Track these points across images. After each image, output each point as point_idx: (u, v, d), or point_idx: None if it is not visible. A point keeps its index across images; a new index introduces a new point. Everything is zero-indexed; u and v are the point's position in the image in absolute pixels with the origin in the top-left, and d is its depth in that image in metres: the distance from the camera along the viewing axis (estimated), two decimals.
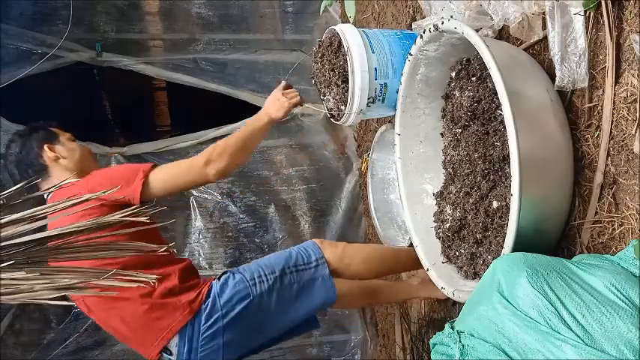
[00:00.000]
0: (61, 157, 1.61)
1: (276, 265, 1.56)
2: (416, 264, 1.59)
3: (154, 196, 1.49)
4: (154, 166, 1.51)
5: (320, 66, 1.68)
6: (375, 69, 1.54)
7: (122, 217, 0.98)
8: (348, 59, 1.53)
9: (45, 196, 1.53)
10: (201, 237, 2.39)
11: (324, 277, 1.56)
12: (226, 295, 1.49)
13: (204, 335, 1.46)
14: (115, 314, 1.48)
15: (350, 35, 1.54)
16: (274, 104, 1.64)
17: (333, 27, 1.61)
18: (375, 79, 1.55)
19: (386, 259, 1.72)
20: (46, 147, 1.60)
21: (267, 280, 1.52)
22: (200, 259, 2.38)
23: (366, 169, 2.24)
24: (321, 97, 1.71)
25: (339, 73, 1.60)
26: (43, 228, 0.93)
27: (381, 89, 1.59)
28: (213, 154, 1.52)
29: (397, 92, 1.56)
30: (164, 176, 1.50)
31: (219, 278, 1.56)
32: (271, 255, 1.65)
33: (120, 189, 1.39)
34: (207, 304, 1.47)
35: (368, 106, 1.58)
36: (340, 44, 1.58)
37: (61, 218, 1.27)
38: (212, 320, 1.46)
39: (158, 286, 1.46)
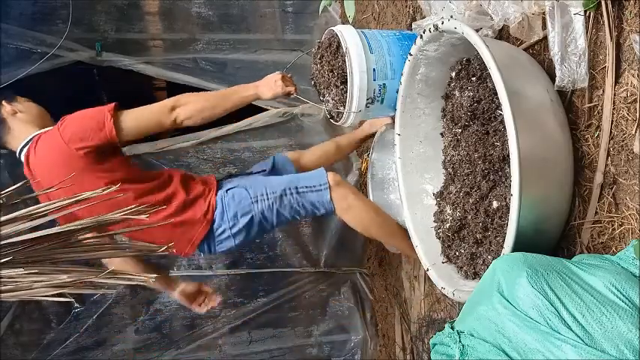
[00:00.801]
0: (18, 111, 1.69)
1: (278, 186, 1.68)
2: (409, 248, 1.65)
3: (129, 134, 1.57)
4: (117, 106, 1.59)
5: (319, 67, 1.68)
6: (374, 70, 1.55)
7: (123, 215, 0.98)
8: (346, 60, 1.54)
9: (19, 154, 1.65)
10: None
11: (324, 202, 1.66)
12: (232, 210, 1.68)
13: (218, 239, 1.71)
14: (147, 236, 1.67)
15: (349, 36, 1.54)
16: (268, 84, 1.69)
17: (332, 28, 1.62)
18: (374, 80, 1.57)
19: (384, 227, 1.79)
20: (3, 102, 1.70)
21: (268, 199, 1.66)
22: (200, 259, 2.38)
23: (366, 169, 2.24)
24: (321, 98, 1.72)
25: (337, 74, 1.60)
26: (41, 226, 0.94)
27: (379, 90, 1.59)
28: (182, 99, 1.61)
29: (397, 92, 1.56)
30: (135, 114, 1.59)
31: (227, 191, 1.72)
32: (280, 176, 1.80)
33: (95, 134, 1.52)
34: (216, 217, 1.68)
35: (367, 106, 1.58)
36: (339, 45, 1.59)
37: (45, 171, 1.52)
38: (222, 230, 1.69)
39: (170, 205, 1.65)
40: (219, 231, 1.71)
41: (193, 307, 1.92)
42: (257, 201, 1.68)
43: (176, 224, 1.67)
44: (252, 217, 1.68)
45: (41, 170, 1.57)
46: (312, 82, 1.74)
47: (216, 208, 1.70)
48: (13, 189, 0.96)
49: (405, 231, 1.71)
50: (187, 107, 1.61)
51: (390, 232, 1.79)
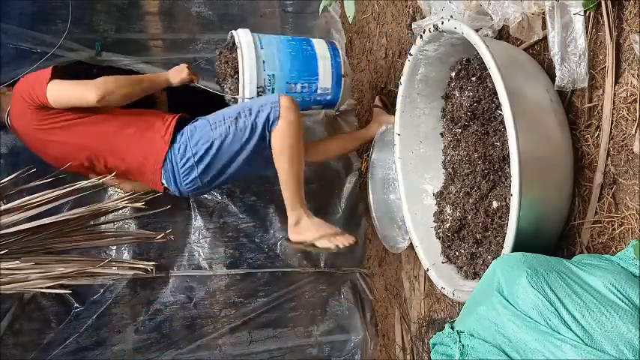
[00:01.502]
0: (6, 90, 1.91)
1: (234, 111, 1.82)
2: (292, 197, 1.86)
3: (56, 102, 1.73)
4: (55, 72, 1.76)
5: (219, 62, 1.95)
6: (264, 61, 1.85)
7: (119, 203, 0.98)
8: (238, 52, 1.83)
9: (5, 120, 1.84)
10: (201, 237, 2.38)
11: (275, 118, 1.76)
12: (195, 138, 1.81)
13: (183, 170, 1.81)
14: (116, 157, 1.84)
15: (242, 34, 1.86)
16: (176, 71, 1.93)
17: (232, 30, 1.91)
18: (264, 70, 1.85)
19: (293, 162, 1.86)
20: None
21: (225, 123, 1.80)
22: (200, 259, 2.38)
23: (366, 169, 2.24)
24: (221, 93, 1.97)
25: (232, 65, 1.88)
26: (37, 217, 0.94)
27: (269, 80, 1.87)
28: (102, 80, 1.77)
29: (286, 84, 1.88)
30: (63, 85, 1.75)
31: (191, 123, 1.87)
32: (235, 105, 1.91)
33: (32, 97, 1.73)
34: (180, 147, 1.81)
35: (258, 94, 1.85)
36: (234, 42, 1.86)
37: (20, 124, 1.79)
38: (185, 159, 1.80)
39: (133, 124, 1.84)
40: (183, 161, 1.81)
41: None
42: (216, 127, 1.80)
43: (138, 143, 1.83)
44: (212, 142, 1.79)
45: (17, 124, 1.83)
46: (215, 80, 1.99)
47: (176, 137, 1.83)
48: (8, 180, 0.96)
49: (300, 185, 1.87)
50: (107, 87, 1.75)
51: (292, 171, 1.85)
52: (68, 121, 1.78)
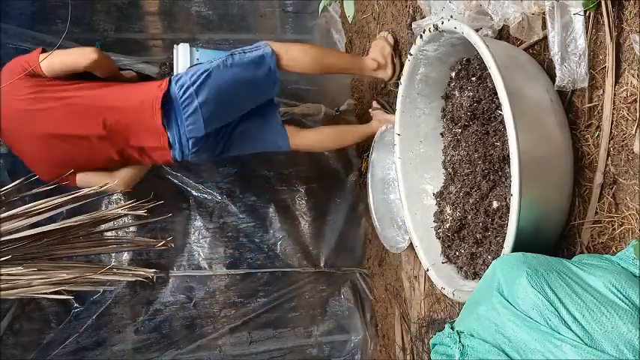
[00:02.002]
0: None
1: (227, 52, 1.92)
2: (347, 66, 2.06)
3: (51, 62, 1.78)
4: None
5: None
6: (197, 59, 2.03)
7: (121, 211, 0.98)
8: (174, 63, 2.02)
9: None
10: (200, 237, 2.38)
11: (268, 54, 1.88)
12: (191, 71, 1.86)
13: (183, 100, 1.81)
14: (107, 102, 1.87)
15: (181, 49, 2.03)
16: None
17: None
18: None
19: (324, 60, 1.99)
20: None
21: (221, 59, 1.87)
22: (200, 259, 2.38)
23: (366, 169, 2.24)
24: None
25: (169, 64, 2.08)
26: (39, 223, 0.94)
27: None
28: (99, 49, 1.84)
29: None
30: (55, 52, 1.79)
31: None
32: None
33: (30, 63, 1.77)
34: (178, 81, 1.83)
35: None
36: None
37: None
38: (185, 88, 1.82)
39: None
40: (182, 92, 1.82)
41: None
42: (211, 62, 1.88)
43: (134, 91, 1.87)
44: (209, 71, 1.83)
45: (6, 110, 1.80)
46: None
47: (173, 81, 1.87)
48: (12, 186, 0.96)
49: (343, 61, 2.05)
50: (101, 55, 1.82)
51: (327, 64, 1.99)
52: (63, 86, 1.81)
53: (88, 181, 1.83)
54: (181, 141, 1.86)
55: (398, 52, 2.07)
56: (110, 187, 1.78)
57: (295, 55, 1.93)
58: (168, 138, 1.85)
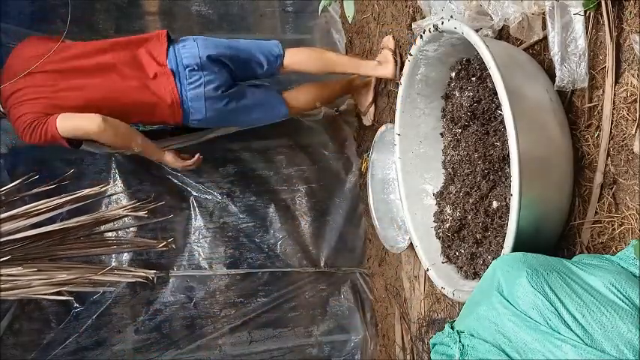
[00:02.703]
0: None
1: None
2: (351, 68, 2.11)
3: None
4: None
5: None
6: None
7: (121, 212, 0.98)
8: None
9: None
10: (201, 237, 2.38)
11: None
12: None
13: (183, 43, 1.97)
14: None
15: None
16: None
17: None
18: None
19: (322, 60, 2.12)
20: None
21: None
22: (200, 259, 2.38)
23: (366, 169, 2.24)
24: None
25: None
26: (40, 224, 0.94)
27: None
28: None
29: None
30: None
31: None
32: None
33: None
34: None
35: None
36: None
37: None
38: (185, 38, 2.00)
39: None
40: (183, 41, 1.97)
41: (183, 165, 2.13)
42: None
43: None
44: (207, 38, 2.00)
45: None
46: None
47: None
48: (12, 186, 0.96)
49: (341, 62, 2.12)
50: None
51: (328, 64, 2.10)
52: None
53: (70, 119, 1.83)
54: (179, 70, 1.93)
55: (398, 50, 2.08)
56: (87, 124, 1.80)
57: (300, 58, 2.07)
58: (168, 64, 1.94)
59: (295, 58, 2.08)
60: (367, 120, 2.31)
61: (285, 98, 2.14)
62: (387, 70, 2.05)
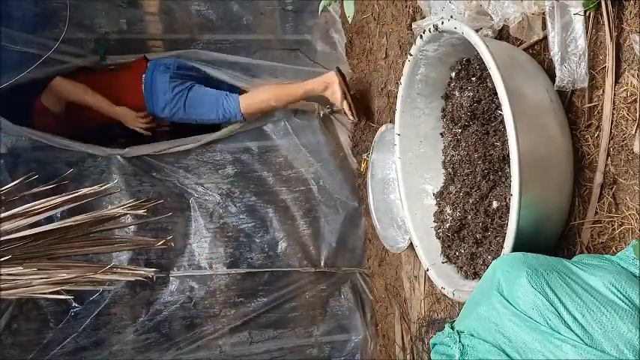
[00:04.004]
0: None
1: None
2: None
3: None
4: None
5: None
6: None
7: (121, 210, 0.98)
8: None
9: None
10: (201, 237, 2.39)
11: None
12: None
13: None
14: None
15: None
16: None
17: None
18: None
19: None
20: None
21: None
22: (200, 259, 2.38)
23: (366, 169, 2.24)
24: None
25: None
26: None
27: None
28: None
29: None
30: None
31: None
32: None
33: None
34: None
35: None
36: None
37: None
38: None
39: None
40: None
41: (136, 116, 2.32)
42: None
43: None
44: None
45: None
46: None
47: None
48: (12, 186, 0.96)
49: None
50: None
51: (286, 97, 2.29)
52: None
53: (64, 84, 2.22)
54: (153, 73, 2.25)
55: (348, 86, 2.25)
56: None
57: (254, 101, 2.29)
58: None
59: (250, 109, 2.30)
60: (349, 116, 2.33)
61: (241, 97, 2.28)
62: (334, 95, 2.25)
